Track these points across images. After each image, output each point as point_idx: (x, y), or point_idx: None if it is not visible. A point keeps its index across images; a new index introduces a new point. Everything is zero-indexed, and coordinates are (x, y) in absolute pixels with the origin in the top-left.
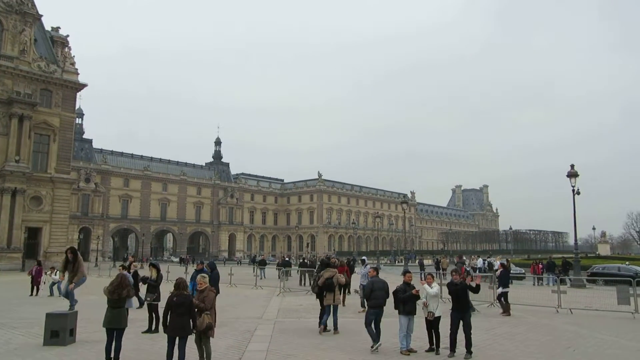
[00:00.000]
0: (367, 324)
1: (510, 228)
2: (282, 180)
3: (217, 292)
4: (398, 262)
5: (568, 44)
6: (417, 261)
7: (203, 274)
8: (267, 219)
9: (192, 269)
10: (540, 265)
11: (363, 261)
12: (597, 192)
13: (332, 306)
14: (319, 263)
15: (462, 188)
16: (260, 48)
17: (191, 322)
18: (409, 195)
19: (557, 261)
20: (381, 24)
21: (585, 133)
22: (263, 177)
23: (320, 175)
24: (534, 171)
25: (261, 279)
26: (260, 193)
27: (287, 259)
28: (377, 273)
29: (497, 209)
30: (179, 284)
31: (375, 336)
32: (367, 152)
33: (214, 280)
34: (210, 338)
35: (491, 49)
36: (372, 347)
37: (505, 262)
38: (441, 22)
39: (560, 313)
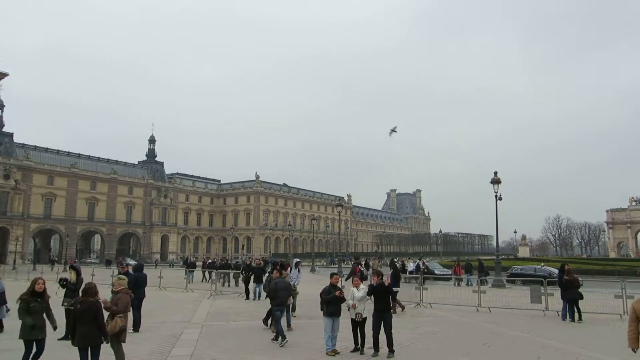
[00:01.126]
0: (277, 321)
1: (440, 231)
2: (219, 181)
3: (143, 295)
4: (334, 264)
5: (492, 49)
6: (352, 263)
7: (120, 276)
8: (202, 220)
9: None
10: (460, 267)
11: (297, 264)
12: (519, 194)
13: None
14: (243, 265)
15: (396, 192)
16: (195, 47)
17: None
18: (346, 198)
19: (474, 263)
20: (326, 41)
21: (508, 132)
22: (199, 177)
23: (257, 176)
24: (463, 174)
25: (190, 282)
26: (196, 194)
27: (193, 259)
28: (281, 274)
29: (428, 213)
30: (87, 290)
31: (282, 333)
32: (305, 157)
33: (141, 283)
34: (122, 343)
35: (431, 57)
36: (280, 343)
37: (422, 264)
38: (395, 43)
39: (480, 312)
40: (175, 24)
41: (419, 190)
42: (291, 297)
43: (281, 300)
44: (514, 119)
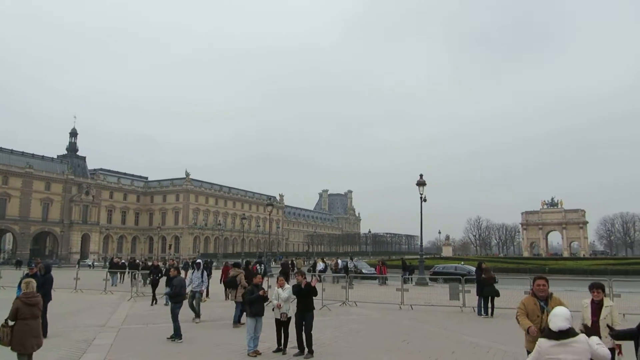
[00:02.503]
0: (175, 319)
1: (370, 231)
2: (146, 178)
3: (49, 298)
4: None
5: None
6: (281, 262)
7: (28, 280)
8: (127, 218)
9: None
10: (385, 266)
11: (198, 265)
12: (444, 197)
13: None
14: (152, 266)
15: (328, 192)
16: (126, 42)
17: None
18: (278, 198)
19: (397, 262)
20: (259, 34)
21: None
22: (125, 173)
23: (187, 174)
24: (394, 175)
25: (114, 284)
26: (121, 191)
27: (117, 260)
28: (179, 273)
29: (359, 213)
30: None
31: (179, 331)
32: (239, 154)
33: (47, 284)
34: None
35: (366, 60)
36: (174, 340)
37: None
38: (330, 43)
39: (403, 309)
40: (102, 13)
41: (350, 191)
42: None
43: (181, 299)
44: (442, 123)
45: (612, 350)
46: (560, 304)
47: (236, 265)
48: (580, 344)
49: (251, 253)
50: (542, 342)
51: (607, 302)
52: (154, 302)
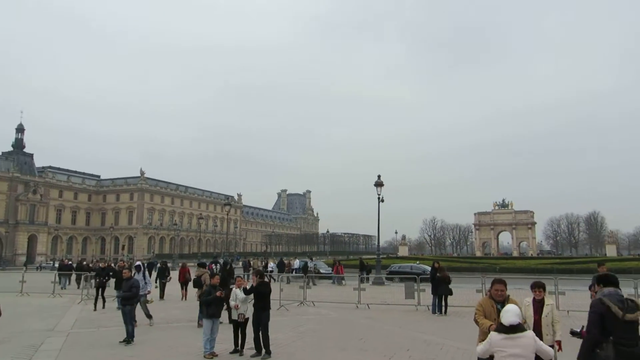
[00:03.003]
0: (130, 322)
1: (328, 231)
2: (99, 177)
3: None
4: (218, 264)
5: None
6: (240, 262)
7: None
8: (77, 218)
9: None
10: (341, 266)
11: (139, 267)
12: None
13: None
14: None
15: (287, 192)
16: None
17: None
18: (236, 197)
19: (354, 262)
20: (223, 33)
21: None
22: (76, 172)
23: (142, 172)
24: (352, 175)
25: (63, 287)
26: (71, 190)
27: (67, 262)
28: (132, 274)
29: (317, 213)
30: None
31: (132, 334)
32: (195, 153)
33: None
34: None
35: (324, 60)
36: (127, 343)
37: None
38: (287, 42)
39: (359, 308)
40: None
41: (308, 191)
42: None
43: (133, 300)
44: (399, 125)
45: (551, 347)
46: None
47: (201, 265)
48: (526, 339)
49: (208, 253)
50: (494, 335)
51: (548, 300)
52: (102, 305)
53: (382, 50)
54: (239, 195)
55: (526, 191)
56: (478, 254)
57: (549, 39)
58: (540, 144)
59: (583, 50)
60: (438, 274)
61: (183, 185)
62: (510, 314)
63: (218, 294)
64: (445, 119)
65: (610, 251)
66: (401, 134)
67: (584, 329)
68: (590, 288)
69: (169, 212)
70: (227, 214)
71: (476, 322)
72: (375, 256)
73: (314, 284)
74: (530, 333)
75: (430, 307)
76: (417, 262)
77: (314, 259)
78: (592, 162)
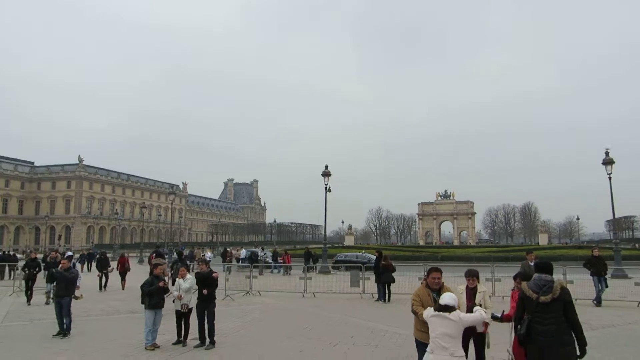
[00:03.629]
0: (66, 314)
1: (275, 221)
2: (32, 163)
3: None
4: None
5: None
6: (187, 252)
7: None
8: (9, 207)
9: None
10: (288, 256)
11: (69, 258)
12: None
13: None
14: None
15: (234, 182)
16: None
17: None
18: (181, 186)
19: (300, 251)
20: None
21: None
22: (6, 158)
23: (81, 159)
24: (300, 165)
25: None
26: (2, 177)
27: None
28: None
29: (265, 203)
30: None
31: (69, 327)
32: (139, 138)
33: None
34: None
35: (271, 57)
36: (63, 336)
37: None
38: (233, 27)
39: (305, 297)
40: None
41: (256, 181)
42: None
43: (70, 292)
44: (348, 118)
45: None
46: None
47: (159, 255)
48: (452, 317)
49: (151, 243)
50: (427, 311)
51: (480, 287)
52: (29, 298)
53: (331, 43)
54: (185, 184)
55: (468, 183)
56: (421, 243)
57: (490, 36)
58: (481, 139)
59: (524, 53)
60: (382, 262)
61: (125, 174)
62: (447, 296)
63: (161, 284)
64: (391, 112)
65: (543, 240)
66: (350, 126)
67: (505, 313)
68: (514, 278)
69: (109, 201)
70: (172, 203)
71: (414, 312)
72: (322, 245)
73: (261, 274)
74: (456, 313)
75: (375, 295)
76: (363, 251)
77: (264, 248)
78: (529, 158)
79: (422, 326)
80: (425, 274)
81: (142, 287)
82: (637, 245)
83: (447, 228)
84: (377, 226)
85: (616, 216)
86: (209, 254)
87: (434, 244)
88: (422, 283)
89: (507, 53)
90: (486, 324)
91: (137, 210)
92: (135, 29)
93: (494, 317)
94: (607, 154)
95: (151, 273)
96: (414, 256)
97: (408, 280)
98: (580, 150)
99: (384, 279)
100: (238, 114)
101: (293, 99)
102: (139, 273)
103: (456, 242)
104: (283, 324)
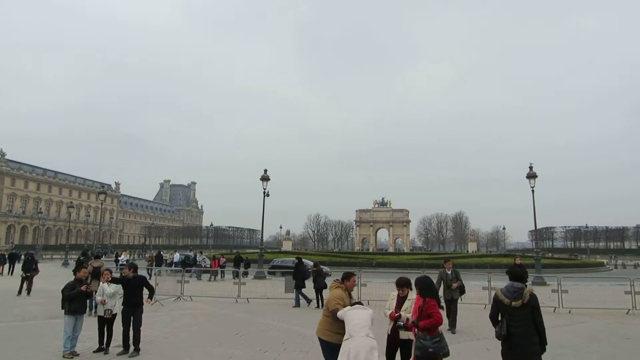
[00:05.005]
0: None
1: (212, 224)
2: None
3: None
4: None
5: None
6: (114, 256)
7: None
8: None
9: None
10: (222, 260)
11: None
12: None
13: None
14: None
15: (170, 183)
16: None
17: None
18: (114, 186)
19: (230, 256)
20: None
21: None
22: None
23: (3, 153)
24: (240, 168)
25: None
26: None
27: None
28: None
29: (202, 206)
30: None
31: None
32: (70, 133)
33: None
34: None
35: (209, 59)
36: None
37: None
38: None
39: (239, 302)
40: None
41: (193, 183)
42: None
43: None
44: (288, 124)
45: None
46: (338, 294)
47: (97, 257)
48: (365, 308)
49: (79, 245)
50: (346, 309)
51: (410, 295)
52: None
53: (272, 47)
54: (117, 184)
55: (404, 192)
56: (357, 249)
57: (426, 50)
58: (419, 152)
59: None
60: (314, 269)
61: (52, 170)
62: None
63: (83, 288)
64: (333, 120)
65: (472, 248)
66: (291, 131)
67: (409, 322)
68: (416, 285)
69: (33, 199)
70: (102, 203)
71: (335, 312)
72: (259, 250)
73: (199, 279)
74: (364, 308)
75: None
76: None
77: (202, 252)
78: (461, 170)
79: (333, 327)
80: (362, 279)
81: (62, 290)
82: (552, 254)
83: (383, 235)
84: (316, 232)
85: (538, 227)
86: (123, 257)
87: (370, 251)
88: (339, 287)
89: (451, 70)
90: (414, 330)
91: (63, 210)
92: (68, 15)
93: (399, 327)
94: (530, 168)
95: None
96: (350, 262)
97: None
98: (511, 165)
99: (317, 284)
100: (175, 114)
101: (232, 101)
102: (59, 277)
103: (391, 249)
104: (214, 330)
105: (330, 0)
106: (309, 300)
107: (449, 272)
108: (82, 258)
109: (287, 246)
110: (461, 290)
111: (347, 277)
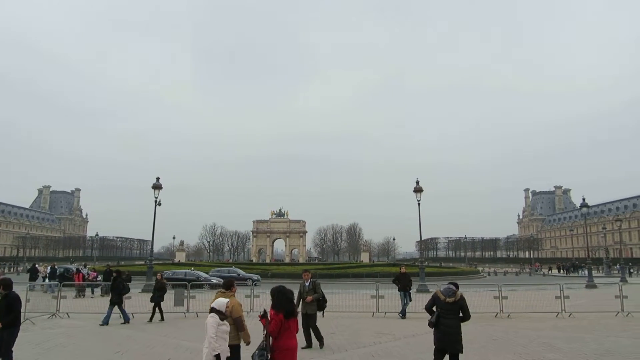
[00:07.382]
0: None
1: (97, 234)
2: None
3: None
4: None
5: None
6: None
7: None
8: None
9: None
10: (92, 275)
11: None
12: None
13: None
14: None
15: (50, 189)
16: None
17: None
18: None
19: (132, 268)
20: None
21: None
22: None
23: None
24: (131, 175)
25: None
26: None
27: None
28: None
29: (87, 214)
30: None
31: None
32: None
33: None
34: None
35: (100, 56)
36: None
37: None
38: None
39: (121, 319)
40: None
41: (78, 189)
42: None
43: None
44: (184, 127)
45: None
46: (238, 302)
47: None
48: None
49: None
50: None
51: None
52: None
53: (168, 50)
54: None
55: (302, 203)
56: (254, 260)
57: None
58: (316, 164)
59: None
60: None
61: None
62: (219, 302)
63: None
64: (228, 128)
65: (365, 257)
66: (187, 137)
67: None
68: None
69: None
70: None
71: (242, 318)
72: (148, 262)
73: (82, 296)
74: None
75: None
76: (193, 268)
77: (87, 265)
78: (357, 183)
79: (234, 331)
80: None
81: None
82: (441, 263)
83: (280, 246)
84: (211, 242)
85: (423, 238)
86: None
87: (266, 262)
88: (228, 294)
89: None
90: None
91: None
92: None
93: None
94: (417, 182)
95: None
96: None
97: (239, 298)
98: (403, 180)
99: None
100: (56, 110)
101: (123, 99)
102: None
103: (287, 260)
104: (91, 350)
105: (228, 16)
106: (126, 318)
107: (307, 284)
108: None
109: (180, 257)
110: (320, 305)
111: (230, 285)
